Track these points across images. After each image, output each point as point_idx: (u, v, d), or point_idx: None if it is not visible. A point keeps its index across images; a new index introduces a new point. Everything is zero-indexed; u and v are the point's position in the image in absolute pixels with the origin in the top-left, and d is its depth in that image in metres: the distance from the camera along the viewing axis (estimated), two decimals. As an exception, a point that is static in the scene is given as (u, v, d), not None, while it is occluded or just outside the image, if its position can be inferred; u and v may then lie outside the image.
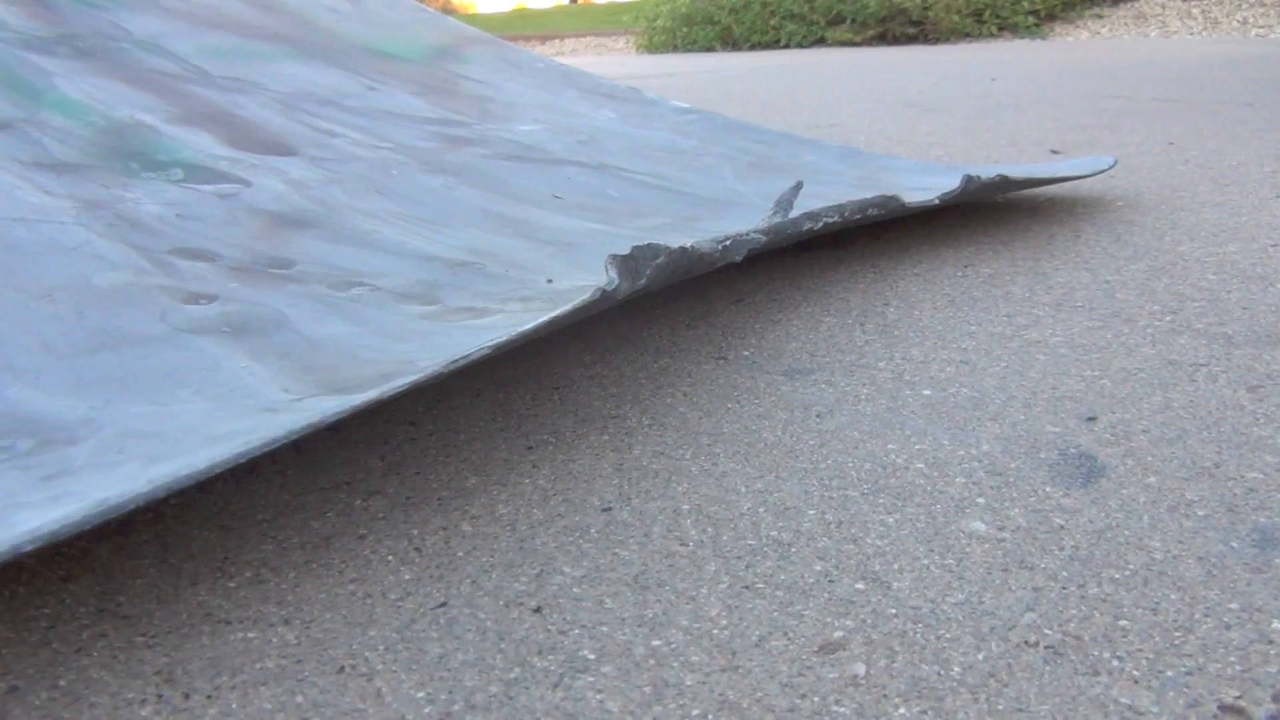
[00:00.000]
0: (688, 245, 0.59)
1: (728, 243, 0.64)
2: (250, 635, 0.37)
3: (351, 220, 0.78)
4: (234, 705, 0.33)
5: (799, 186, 0.74)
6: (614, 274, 0.53)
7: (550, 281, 0.69)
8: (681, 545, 0.42)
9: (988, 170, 0.96)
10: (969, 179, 0.84)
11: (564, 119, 1.15)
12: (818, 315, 0.70)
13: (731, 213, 0.90)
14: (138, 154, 0.84)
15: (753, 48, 4.55)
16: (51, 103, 0.92)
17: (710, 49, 4.70)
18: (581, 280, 0.70)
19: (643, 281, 0.56)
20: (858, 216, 0.78)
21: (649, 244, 0.56)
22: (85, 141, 0.85)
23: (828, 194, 0.91)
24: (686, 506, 0.45)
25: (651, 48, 5.05)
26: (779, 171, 1.05)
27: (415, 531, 0.44)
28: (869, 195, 0.86)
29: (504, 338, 0.47)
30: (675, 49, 4.88)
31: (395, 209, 0.83)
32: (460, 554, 0.42)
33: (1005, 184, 0.92)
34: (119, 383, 0.50)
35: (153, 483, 0.36)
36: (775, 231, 0.69)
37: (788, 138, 1.18)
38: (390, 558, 0.42)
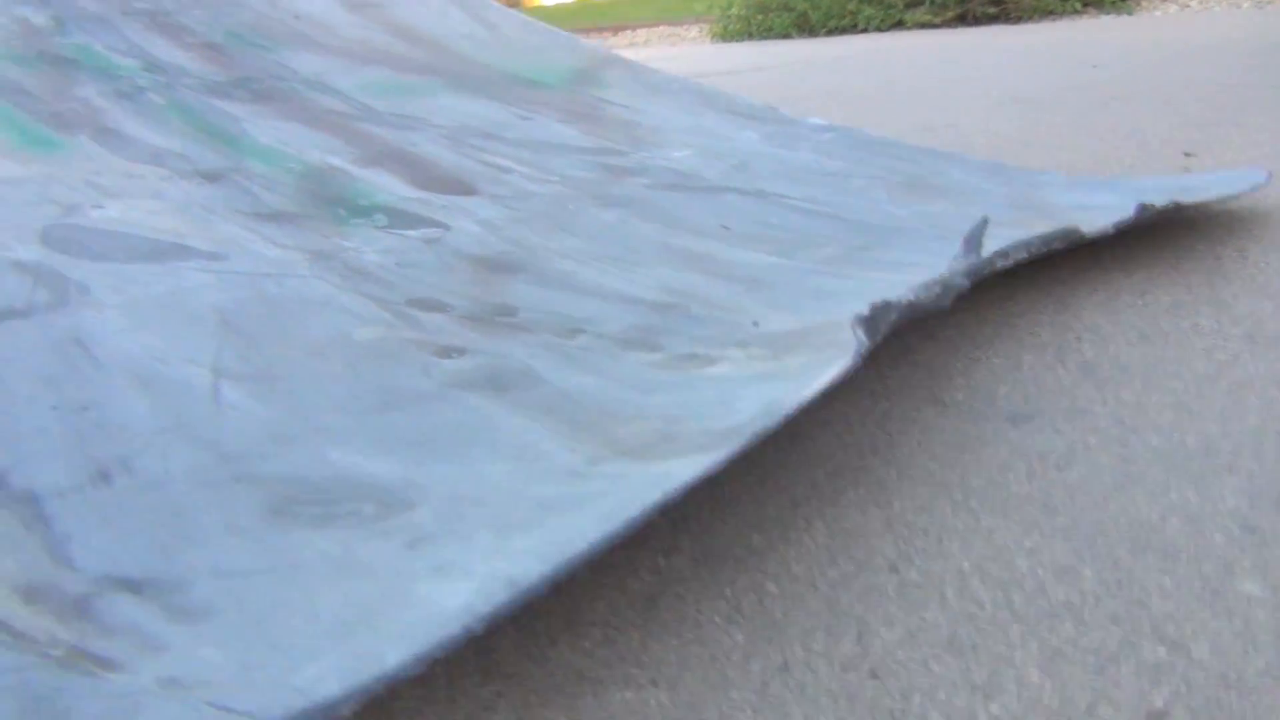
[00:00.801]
0: (913, 299, 0.62)
1: (938, 290, 0.67)
2: (628, 696, 0.41)
3: (550, 261, 0.82)
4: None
5: (985, 223, 0.76)
6: (863, 335, 0.56)
7: (756, 325, 0.72)
8: (979, 608, 0.45)
9: (1154, 191, 0.97)
10: (1143, 208, 0.86)
11: (711, 142, 1.17)
12: (1015, 352, 0.72)
13: (898, 241, 0.93)
14: (340, 200, 0.89)
15: (829, 33, 4.52)
16: (250, 150, 0.97)
17: (786, 35, 4.68)
18: (784, 322, 0.73)
19: (879, 339, 0.59)
20: (1043, 251, 0.80)
21: (884, 302, 0.59)
22: (291, 189, 0.89)
23: (982, 216, 0.92)
24: (967, 566, 0.48)
25: (726, 36, 5.04)
26: (931, 192, 1.07)
27: (728, 590, 0.47)
28: (1041, 224, 0.88)
29: (810, 393, 0.50)
30: (750, 36, 4.87)
31: (583, 247, 0.87)
32: (778, 615, 0.45)
33: (1175, 208, 0.93)
34: (416, 443, 0.54)
35: (555, 561, 0.39)
36: (974, 274, 0.71)
37: (930, 154, 1.20)
38: (716, 618, 0.45)
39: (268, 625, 0.41)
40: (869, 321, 0.57)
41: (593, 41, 1.37)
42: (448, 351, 0.64)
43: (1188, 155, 1.37)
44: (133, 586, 0.44)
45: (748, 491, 0.56)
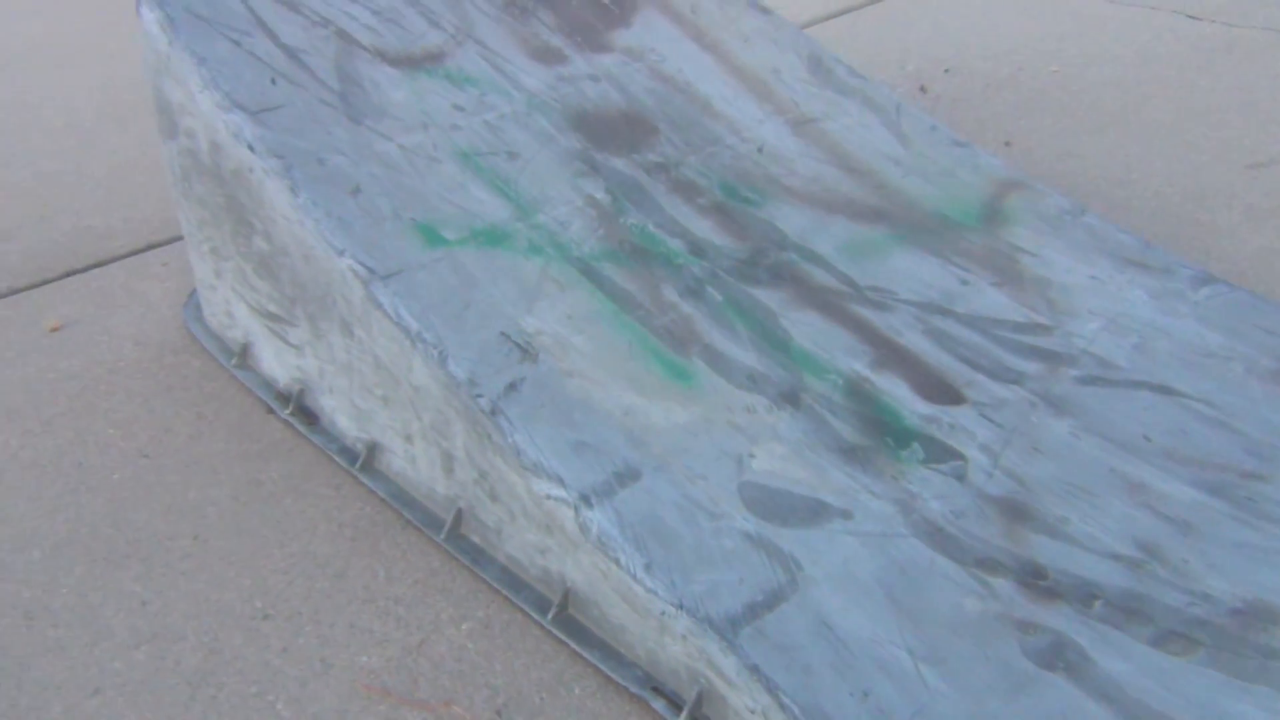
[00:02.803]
0: None
1: None
2: None
3: (1045, 503, 1.20)
4: None
5: None
6: None
7: (1209, 597, 1.09)
8: None
9: None
10: None
11: (1111, 307, 1.48)
12: None
13: (1278, 469, 1.25)
14: (885, 426, 1.27)
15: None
16: (800, 358, 1.35)
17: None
18: (1220, 586, 1.10)
19: None
20: None
21: None
22: (848, 414, 1.28)
23: None
24: None
25: None
26: None
27: None
28: None
29: None
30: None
31: (1057, 475, 1.23)
32: None
33: None
34: None
35: None
36: None
37: None
38: None
39: None
40: None
41: (988, 157, 1.63)
42: (1025, 627, 1.06)
43: None
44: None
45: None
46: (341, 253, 1.25)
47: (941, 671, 0.97)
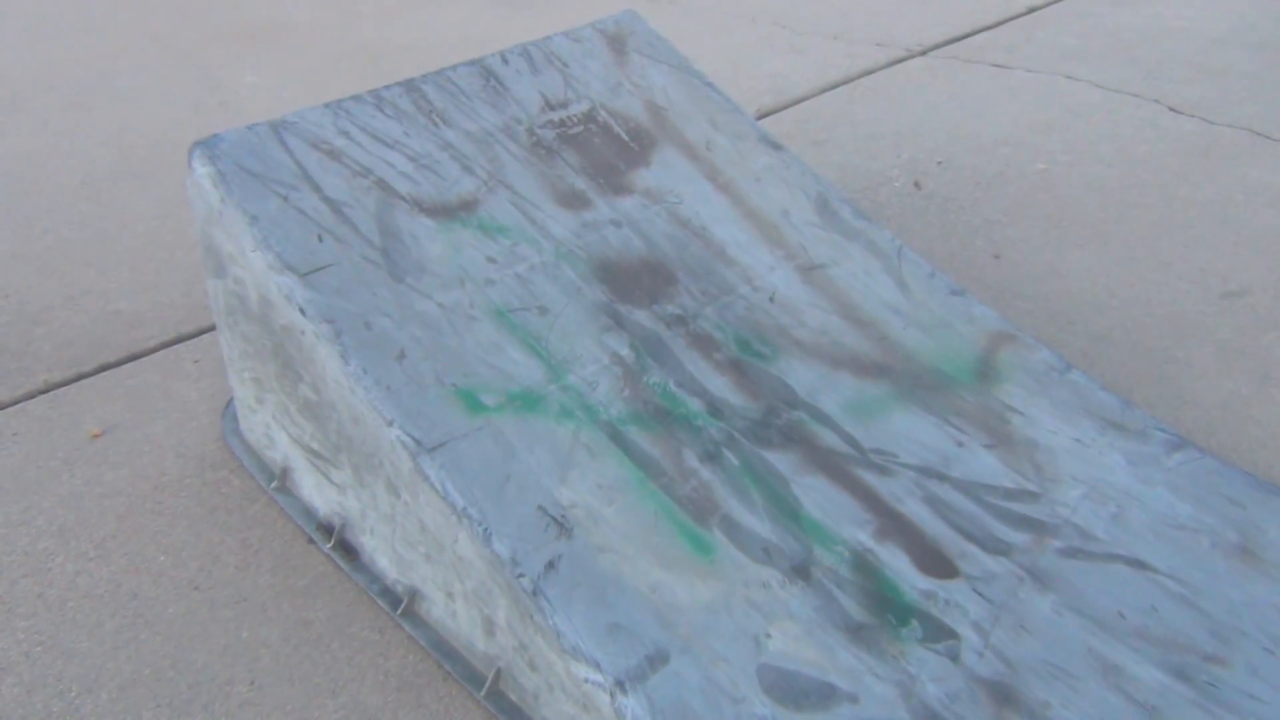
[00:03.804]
0: None
1: None
2: None
3: (1030, 687, 1.35)
4: None
5: None
6: None
7: None
8: None
9: None
10: None
11: (1092, 473, 1.62)
12: None
13: (1241, 654, 1.40)
14: (888, 602, 1.41)
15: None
16: (810, 528, 1.48)
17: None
18: None
19: None
20: None
21: None
22: (857, 590, 1.42)
23: None
24: None
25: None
26: (1254, 570, 1.52)
27: None
28: None
29: None
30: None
31: (1042, 656, 1.38)
32: None
33: None
34: None
35: None
36: None
37: (1258, 490, 1.62)
38: None
39: None
40: None
41: (981, 307, 1.76)
42: None
43: None
44: None
45: None
46: (390, 423, 1.36)
47: None
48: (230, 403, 1.85)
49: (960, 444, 1.58)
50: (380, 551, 1.51)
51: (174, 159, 2.81)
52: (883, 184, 2.53)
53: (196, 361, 2.02)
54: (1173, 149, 2.65)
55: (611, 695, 1.18)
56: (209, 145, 1.57)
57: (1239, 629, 1.38)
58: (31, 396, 1.93)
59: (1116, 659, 1.33)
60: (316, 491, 1.61)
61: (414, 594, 1.47)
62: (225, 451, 1.78)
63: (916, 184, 2.52)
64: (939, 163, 2.63)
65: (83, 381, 1.98)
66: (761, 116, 2.90)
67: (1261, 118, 2.76)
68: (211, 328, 2.11)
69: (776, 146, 1.94)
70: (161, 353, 2.06)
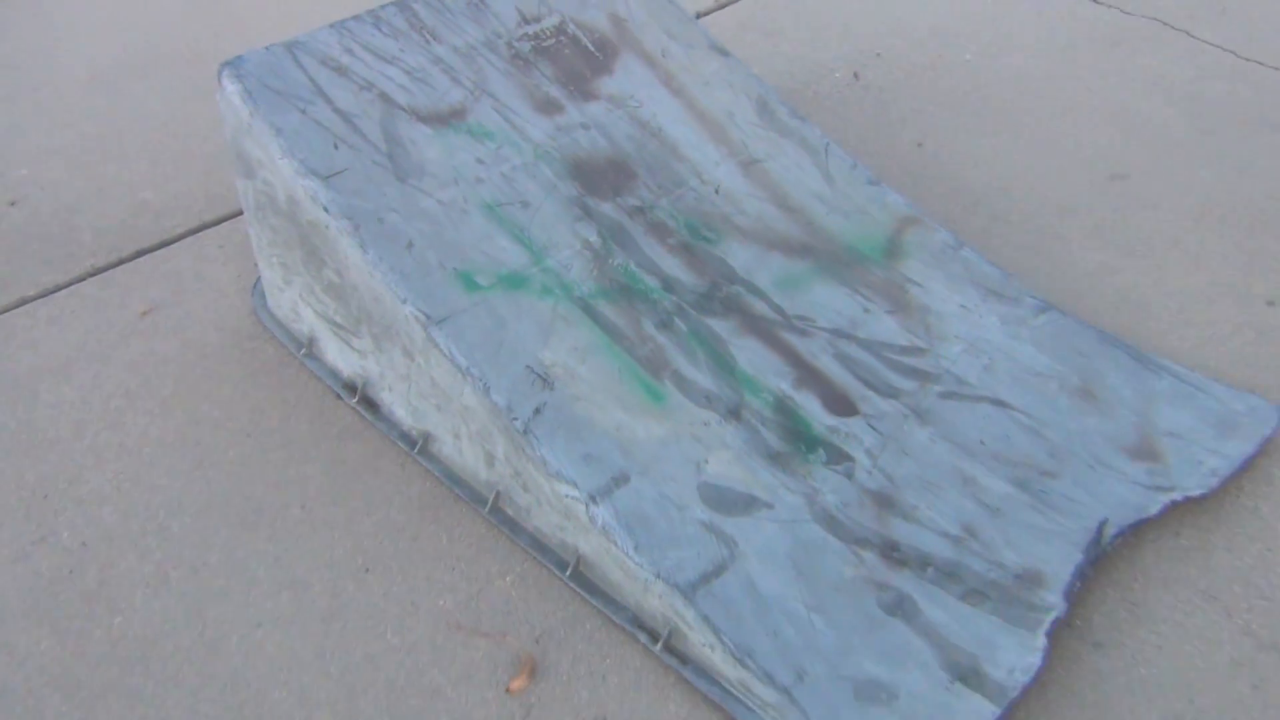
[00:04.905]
0: (1084, 569, 1.58)
1: (1080, 561, 1.62)
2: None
3: (904, 494, 1.77)
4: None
5: (1104, 525, 1.68)
6: (1063, 604, 1.54)
7: (1002, 567, 1.68)
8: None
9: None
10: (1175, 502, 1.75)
11: (970, 332, 2.01)
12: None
13: (1070, 469, 1.81)
14: (800, 435, 1.81)
15: None
16: (742, 379, 1.87)
17: None
18: (1012, 558, 1.69)
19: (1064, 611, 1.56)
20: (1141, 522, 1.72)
21: (1075, 575, 1.55)
22: (777, 427, 1.81)
23: (1101, 520, 1.78)
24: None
25: None
26: (1093, 406, 1.92)
27: None
28: (1148, 476, 1.78)
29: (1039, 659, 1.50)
30: None
31: (916, 474, 1.79)
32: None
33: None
34: (888, 653, 1.56)
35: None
36: (1097, 556, 1.66)
37: (1103, 343, 2.02)
38: None
39: None
40: (1067, 592, 1.54)
41: (894, 195, 2.12)
42: (880, 587, 1.63)
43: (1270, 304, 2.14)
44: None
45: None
46: (404, 301, 1.72)
47: (824, 618, 1.54)
48: (257, 283, 2.19)
49: (867, 310, 1.95)
50: (397, 404, 1.88)
51: (171, 54, 3.05)
52: (825, 75, 2.83)
53: (221, 247, 2.34)
54: (1087, 38, 2.95)
55: (586, 506, 1.58)
56: (235, 65, 1.86)
57: (1071, 451, 1.79)
58: (82, 279, 2.26)
59: (973, 474, 1.74)
60: (340, 357, 1.97)
61: (427, 437, 1.85)
62: (257, 325, 2.12)
63: (856, 75, 2.82)
64: (877, 54, 2.92)
65: (124, 265, 2.30)
66: (722, 6, 3.15)
67: (1171, 9, 3.05)
68: (230, 216, 2.42)
69: (724, 53, 2.24)
70: (189, 239, 2.37)
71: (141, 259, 2.31)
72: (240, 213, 2.39)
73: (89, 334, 2.10)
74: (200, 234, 2.38)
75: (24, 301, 2.19)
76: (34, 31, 3.24)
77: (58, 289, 2.23)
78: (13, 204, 2.48)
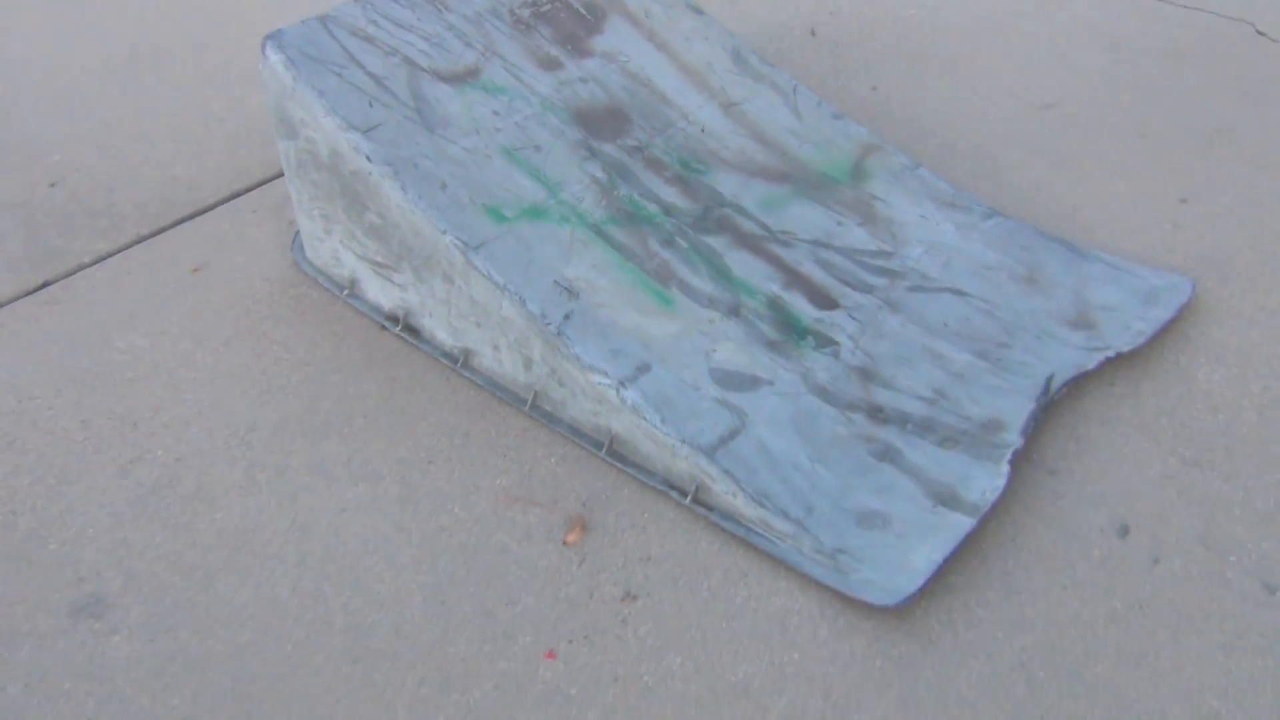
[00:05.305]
0: (1036, 414, 1.91)
1: (1033, 408, 1.95)
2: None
3: (884, 367, 2.08)
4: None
5: (1051, 380, 2.01)
6: (1021, 440, 1.86)
7: (967, 419, 2.01)
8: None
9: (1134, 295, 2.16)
10: (1109, 357, 2.09)
11: (930, 236, 2.33)
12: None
13: (1019, 340, 2.16)
14: (791, 326, 2.12)
15: None
16: (738, 285, 2.18)
17: None
18: (976, 411, 2.01)
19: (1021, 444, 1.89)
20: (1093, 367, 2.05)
21: (1029, 419, 1.88)
22: (771, 320, 2.13)
23: (1048, 376, 2.11)
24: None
25: None
26: (1036, 289, 2.25)
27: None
28: (1086, 342, 2.11)
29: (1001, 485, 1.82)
30: None
31: (893, 352, 2.11)
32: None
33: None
34: (881, 489, 1.88)
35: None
36: (1047, 404, 1.99)
37: (1042, 241, 2.35)
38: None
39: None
40: (1025, 429, 1.86)
41: (856, 126, 2.43)
42: (869, 440, 1.95)
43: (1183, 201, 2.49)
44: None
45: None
46: (444, 232, 2.00)
47: (825, 466, 1.85)
48: (296, 237, 2.45)
49: (840, 224, 2.26)
50: (438, 328, 2.16)
51: (174, 45, 3.29)
52: (785, 34, 3.14)
53: (255, 211, 2.60)
54: (1017, -10, 3.28)
55: (617, 390, 1.87)
56: (276, 38, 2.13)
57: (1020, 326, 2.11)
58: (130, 246, 2.51)
59: (940, 350, 2.06)
60: (381, 293, 2.25)
61: (468, 353, 2.13)
62: (299, 274, 2.38)
63: (813, 32, 3.13)
64: (830, 13, 3.23)
65: (166, 232, 2.55)
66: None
67: (1088, -40, 3.39)
68: (260, 183, 2.68)
69: (699, 11, 2.54)
70: (223, 207, 2.63)
71: (183, 225, 2.56)
72: (269, 180, 2.65)
73: (147, 291, 2.35)
74: (233, 201, 2.63)
75: (81, 268, 2.44)
76: (43, 30, 3.46)
77: (110, 254, 2.47)
78: (52, 185, 2.72)
